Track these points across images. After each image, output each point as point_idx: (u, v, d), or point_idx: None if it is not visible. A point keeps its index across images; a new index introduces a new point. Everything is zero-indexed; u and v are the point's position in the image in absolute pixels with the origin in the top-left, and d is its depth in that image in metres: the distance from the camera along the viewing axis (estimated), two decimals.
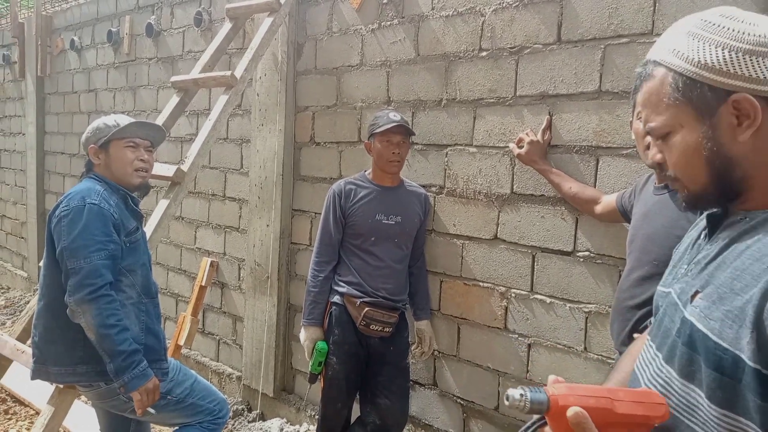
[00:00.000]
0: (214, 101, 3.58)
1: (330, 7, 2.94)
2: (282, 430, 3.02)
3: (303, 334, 2.39)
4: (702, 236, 0.86)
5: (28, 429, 3.18)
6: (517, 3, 2.23)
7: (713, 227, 0.83)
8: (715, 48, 0.75)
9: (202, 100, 3.65)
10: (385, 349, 2.36)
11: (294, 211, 3.18)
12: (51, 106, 5.41)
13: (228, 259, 3.59)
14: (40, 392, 3.44)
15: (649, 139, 1.52)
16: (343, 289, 2.35)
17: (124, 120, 1.98)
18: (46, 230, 1.93)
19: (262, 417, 3.23)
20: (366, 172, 2.43)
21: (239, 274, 3.52)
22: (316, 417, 2.50)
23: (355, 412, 2.46)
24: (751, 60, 0.73)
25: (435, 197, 2.54)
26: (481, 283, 2.40)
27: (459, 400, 2.50)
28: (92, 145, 1.97)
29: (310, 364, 2.36)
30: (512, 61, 2.26)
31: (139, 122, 2.01)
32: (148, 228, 2.40)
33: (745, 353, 0.67)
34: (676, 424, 0.77)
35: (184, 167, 2.51)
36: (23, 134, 5.86)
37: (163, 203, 2.46)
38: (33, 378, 2.01)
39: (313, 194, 3.07)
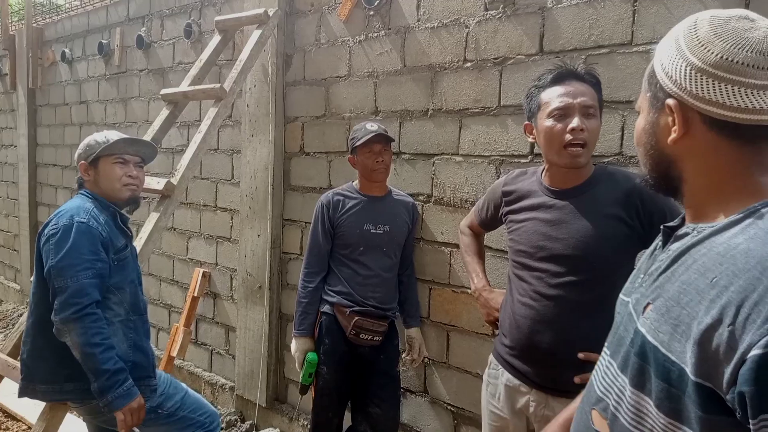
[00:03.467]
0: (205, 112, 3.59)
1: (318, 18, 2.97)
2: None
3: (294, 345, 2.41)
4: (658, 246, 0.89)
5: None
6: (500, 15, 2.26)
7: (667, 238, 0.86)
8: (675, 53, 0.79)
9: (193, 111, 3.67)
10: (375, 357, 2.38)
11: (285, 221, 3.20)
12: (42, 118, 5.42)
13: (220, 270, 3.60)
14: (33, 407, 3.44)
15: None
16: (333, 299, 2.37)
17: (114, 136, 2.00)
18: (35, 248, 1.94)
19: (256, 427, 3.24)
20: (353, 183, 2.46)
21: (231, 285, 3.53)
22: (309, 426, 2.51)
23: (347, 420, 2.47)
24: (698, 76, 0.75)
25: (423, 206, 2.57)
26: (469, 291, 2.42)
27: (449, 407, 2.52)
28: (82, 162, 1.99)
29: (301, 375, 2.37)
30: (496, 72, 2.29)
31: (128, 138, 2.03)
32: (139, 241, 2.41)
33: (689, 367, 0.69)
34: (622, 428, 0.80)
35: (174, 180, 2.53)
36: (15, 146, 5.86)
37: (154, 216, 2.48)
38: (20, 396, 2.01)
39: (303, 204, 3.09)
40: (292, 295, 3.08)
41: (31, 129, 5.53)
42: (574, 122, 1.50)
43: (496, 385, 1.69)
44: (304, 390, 2.41)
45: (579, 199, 1.56)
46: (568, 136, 1.50)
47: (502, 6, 2.26)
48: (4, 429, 3.35)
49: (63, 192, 5.17)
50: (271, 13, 2.93)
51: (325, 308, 2.38)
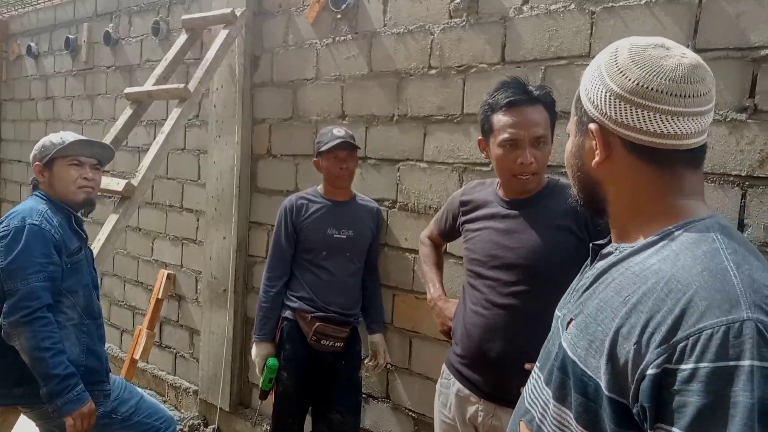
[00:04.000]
0: (172, 110, 3.55)
1: (286, 20, 2.95)
2: None
3: (254, 350, 2.39)
4: (587, 264, 0.92)
5: None
6: (464, 23, 2.28)
7: (594, 255, 0.89)
8: (597, 80, 0.81)
9: (160, 109, 3.60)
10: (337, 363, 2.37)
11: (251, 224, 3.17)
12: (7, 113, 5.29)
13: (185, 272, 3.56)
14: None
15: None
16: (295, 304, 2.35)
17: (70, 138, 1.96)
18: None
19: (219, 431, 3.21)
20: (318, 187, 2.45)
21: (196, 287, 3.49)
22: None
23: (308, 425, 2.46)
24: (617, 102, 0.78)
25: (387, 211, 2.57)
26: None
27: (411, 413, 2.52)
28: (37, 163, 1.95)
29: (261, 380, 2.36)
30: (460, 80, 2.31)
31: (83, 140, 1.99)
32: (97, 243, 2.37)
33: (603, 382, 0.73)
34: None
35: (135, 181, 2.49)
36: None
37: (113, 218, 2.44)
38: None
39: (269, 206, 3.06)
40: (257, 299, 3.05)
41: None
42: (524, 157, 1.52)
43: (447, 394, 1.70)
44: (264, 395, 2.39)
45: (531, 210, 1.59)
46: (517, 168, 1.54)
47: (465, 14, 2.27)
48: None
49: (28, 189, 5.04)
50: (238, 13, 2.90)
51: (287, 314, 2.37)
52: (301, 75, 2.89)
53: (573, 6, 2.00)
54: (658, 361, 0.67)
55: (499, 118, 1.58)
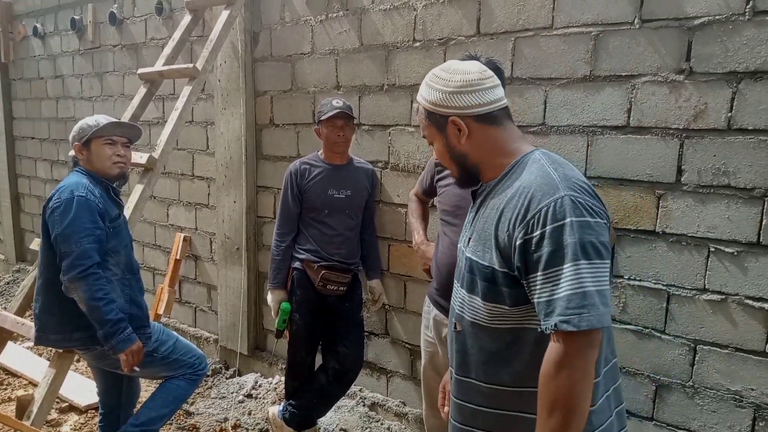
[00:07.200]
0: (178, 85, 3.82)
1: None
2: (257, 382, 3.40)
3: (269, 297, 2.74)
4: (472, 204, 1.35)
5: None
6: (443, 0, 2.54)
7: (474, 198, 1.32)
8: (436, 92, 1.24)
9: (166, 84, 3.86)
10: (341, 305, 2.73)
11: (258, 188, 3.49)
12: (17, 92, 5.53)
13: (200, 234, 3.90)
14: (29, 365, 3.77)
15: None
16: (303, 255, 2.69)
17: (103, 120, 2.25)
18: (41, 219, 2.22)
19: (239, 373, 3.61)
20: (318, 153, 2.75)
21: (211, 247, 3.83)
22: (285, 366, 2.88)
23: (318, 361, 2.84)
24: (455, 96, 1.22)
25: (381, 172, 2.88)
26: None
27: (407, 345, 2.90)
28: (76, 143, 2.25)
29: (276, 321, 2.72)
30: (441, 51, 2.58)
31: (115, 122, 2.29)
32: (127, 210, 2.69)
33: (496, 264, 1.15)
34: (466, 323, 1.24)
35: (156, 154, 2.79)
36: None
37: (139, 188, 2.75)
38: (36, 344, 2.33)
39: (274, 172, 3.38)
40: (267, 255, 3.38)
41: (6, 103, 5.63)
42: None
43: (428, 319, 2.06)
44: (279, 334, 2.76)
45: None
46: None
47: None
48: (7, 384, 3.66)
49: (42, 164, 5.34)
50: None
51: (296, 264, 2.71)
52: (298, 50, 3.15)
53: None
54: (520, 235, 1.10)
55: None
